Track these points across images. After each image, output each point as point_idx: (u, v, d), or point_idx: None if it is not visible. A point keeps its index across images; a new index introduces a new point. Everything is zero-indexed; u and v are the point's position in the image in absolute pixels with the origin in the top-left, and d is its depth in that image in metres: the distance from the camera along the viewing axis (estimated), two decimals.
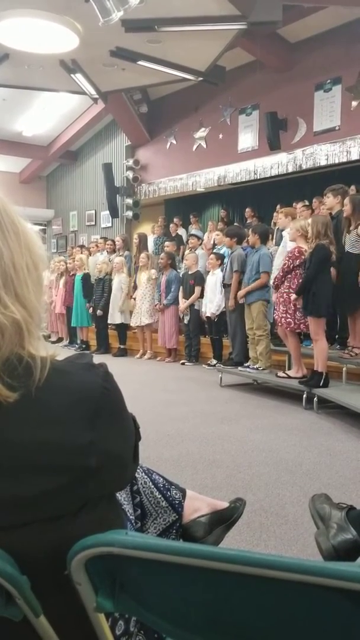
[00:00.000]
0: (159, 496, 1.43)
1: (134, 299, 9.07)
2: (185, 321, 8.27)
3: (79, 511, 0.84)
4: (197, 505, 1.51)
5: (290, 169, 9.62)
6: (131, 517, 1.38)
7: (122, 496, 1.38)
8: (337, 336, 6.14)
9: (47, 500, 0.81)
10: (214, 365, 7.43)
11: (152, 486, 1.44)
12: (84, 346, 9.80)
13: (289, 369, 5.99)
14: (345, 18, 8.49)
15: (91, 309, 9.61)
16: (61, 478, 0.81)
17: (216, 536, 1.49)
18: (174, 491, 1.47)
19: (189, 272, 8.32)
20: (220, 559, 0.71)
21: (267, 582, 0.71)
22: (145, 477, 1.45)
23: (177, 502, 1.45)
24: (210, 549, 0.72)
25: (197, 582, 0.77)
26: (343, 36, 8.68)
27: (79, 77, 8.52)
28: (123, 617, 0.99)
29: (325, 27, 8.85)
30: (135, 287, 9.25)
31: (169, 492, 1.45)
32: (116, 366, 7.04)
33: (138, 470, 1.44)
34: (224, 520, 1.53)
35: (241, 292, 6.36)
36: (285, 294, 5.57)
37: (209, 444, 4.16)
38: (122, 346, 9.28)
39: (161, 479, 1.47)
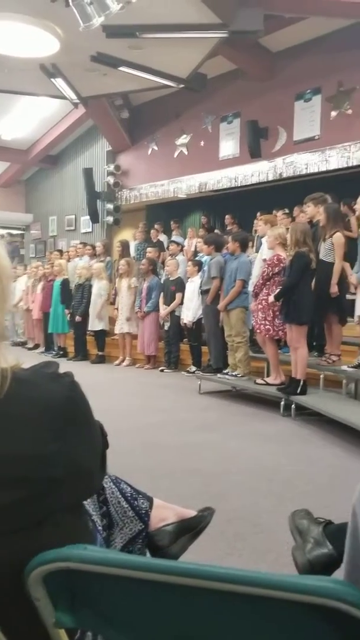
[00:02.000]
0: (126, 505, 1.43)
1: (116, 308, 9.04)
2: (166, 328, 8.27)
3: (43, 522, 0.83)
4: (164, 514, 1.50)
5: (271, 177, 9.69)
6: (99, 527, 1.37)
7: (90, 506, 1.37)
8: (314, 343, 6.17)
9: (11, 512, 0.79)
10: (193, 372, 7.43)
11: (120, 495, 1.44)
12: (61, 353, 9.73)
13: (268, 375, 6.01)
14: (326, 29, 8.60)
15: (69, 315, 9.55)
16: (26, 490, 0.80)
17: (180, 545, 1.48)
18: (141, 500, 1.47)
19: (170, 279, 8.32)
20: (180, 574, 0.70)
21: (231, 597, 0.70)
22: (113, 486, 1.45)
23: (143, 511, 1.44)
24: (170, 563, 0.71)
25: (159, 597, 0.76)
26: (323, 47, 8.79)
27: (59, 82, 8.49)
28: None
29: (306, 37, 8.94)
30: (115, 294, 9.22)
31: (136, 502, 1.45)
32: (94, 373, 7.01)
33: (106, 480, 1.44)
34: (190, 529, 1.52)
35: (221, 305, 6.35)
36: (264, 301, 5.60)
37: (186, 452, 4.15)
38: (100, 353, 9.23)
39: (129, 488, 1.47)
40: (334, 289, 5.33)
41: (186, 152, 11.31)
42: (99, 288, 9.19)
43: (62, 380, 0.91)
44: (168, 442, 4.44)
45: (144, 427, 4.91)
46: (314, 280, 5.49)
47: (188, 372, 7.70)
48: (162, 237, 11.31)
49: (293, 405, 5.23)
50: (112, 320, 9.26)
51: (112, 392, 6.44)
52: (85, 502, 1.29)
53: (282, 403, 5.36)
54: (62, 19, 6.43)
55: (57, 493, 0.84)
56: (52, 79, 8.37)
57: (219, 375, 6.43)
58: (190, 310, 7.67)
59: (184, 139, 11.31)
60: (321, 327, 5.89)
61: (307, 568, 1.41)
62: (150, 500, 1.47)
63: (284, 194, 9.67)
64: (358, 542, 1.17)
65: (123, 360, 8.92)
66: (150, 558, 0.75)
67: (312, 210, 5.96)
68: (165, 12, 6.52)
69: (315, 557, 1.41)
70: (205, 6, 6.39)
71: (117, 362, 8.98)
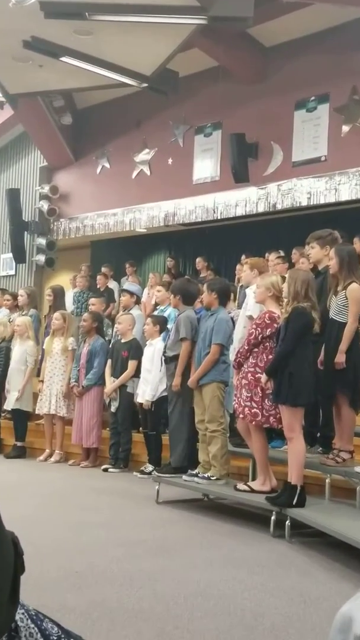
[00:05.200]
0: None
1: (41, 380, 8.94)
2: (113, 409, 8.18)
3: None
4: None
5: (262, 209, 9.97)
6: None
7: None
8: (318, 434, 6.17)
9: None
10: (149, 473, 7.33)
11: (41, 638, 1.37)
12: None
13: (254, 479, 5.97)
14: (335, 20, 9.08)
15: None
16: None
17: None
18: None
19: (122, 341, 8.31)
20: None
21: None
22: (32, 625, 1.39)
23: None
24: None
25: None
26: (332, 42, 9.25)
27: None
28: None
29: (309, 29, 9.43)
30: (42, 359, 9.15)
31: None
32: (9, 472, 6.88)
33: (22, 616, 1.37)
34: None
35: (192, 380, 6.34)
36: (250, 375, 5.61)
37: (135, 587, 4.05)
38: (19, 443, 9.06)
39: (55, 629, 1.42)
40: (341, 358, 5.37)
41: (148, 173, 11.60)
42: (23, 352, 9.11)
43: None
44: (110, 571, 4.33)
45: (77, 550, 4.79)
46: (322, 348, 5.54)
47: (142, 472, 7.60)
48: (112, 285, 11.41)
49: (288, 522, 5.16)
50: (36, 397, 9.14)
51: (34, 499, 6.31)
52: None
53: (273, 518, 5.30)
54: None
55: None
56: None
57: (185, 477, 6.35)
58: (149, 384, 7.62)
59: (145, 155, 11.62)
60: (328, 412, 5.90)
61: None
62: None
63: (279, 231, 9.94)
64: None
65: (51, 455, 8.76)
66: None
67: (317, 253, 6.08)
68: None
69: None
70: None
71: (42, 457, 8.81)
